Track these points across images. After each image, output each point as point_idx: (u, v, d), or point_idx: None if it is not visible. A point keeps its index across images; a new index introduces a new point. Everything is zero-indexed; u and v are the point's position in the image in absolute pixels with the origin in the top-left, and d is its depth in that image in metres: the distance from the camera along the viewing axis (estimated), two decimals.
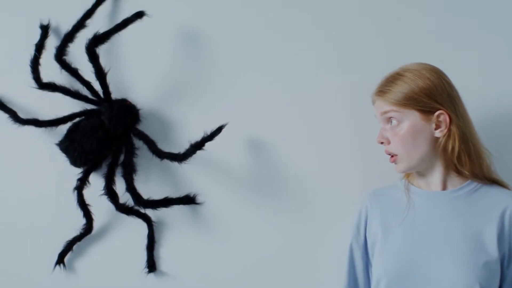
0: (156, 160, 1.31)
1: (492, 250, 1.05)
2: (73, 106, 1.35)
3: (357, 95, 1.29)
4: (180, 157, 1.27)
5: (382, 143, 1.14)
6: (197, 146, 1.26)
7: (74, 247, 1.36)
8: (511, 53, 1.31)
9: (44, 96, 1.33)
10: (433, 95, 1.07)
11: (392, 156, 1.13)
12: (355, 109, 1.33)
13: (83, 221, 1.34)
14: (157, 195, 1.33)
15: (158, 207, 1.32)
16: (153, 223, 1.36)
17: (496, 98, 1.31)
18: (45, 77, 1.31)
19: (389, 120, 1.12)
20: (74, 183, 1.33)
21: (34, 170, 1.39)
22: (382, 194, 1.20)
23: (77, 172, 1.33)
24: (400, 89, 1.09)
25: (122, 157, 1.33)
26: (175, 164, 1.31)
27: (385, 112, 1.11)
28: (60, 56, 1.31)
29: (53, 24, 1.36)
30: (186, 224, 1.37)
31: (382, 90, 1.12)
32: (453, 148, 1.07)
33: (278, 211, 1.36)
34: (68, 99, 1.33)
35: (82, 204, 1.33)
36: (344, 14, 1.35)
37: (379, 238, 1.14)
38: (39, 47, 1.33)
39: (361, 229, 1.20)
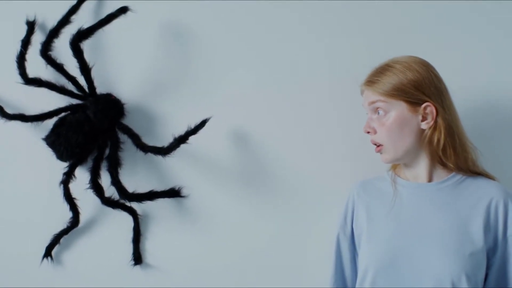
0: (141, 153, 1.28)
1: (478, 240, 1.03)
2: (59, 101, 1.32)
3: (344, 88, 1.29)
4: (164, 151, 1.24)
5: (368, 132, 1.12)
6: (181, 139, 1.23)
7: (61, 240, 1.34)
8: (499, 49, 1.30)
9: (30, 91, 1.30)
10: (421, 87, 1.06)
11: (378, 146, 1.11)
12: (342, 103, 1.31)
13: (69, 214, 1.31)
14: (142, 189, 1.31)
15: (143, 200, 1.29)
16: (139, 216, 1.33)
17: (484, 93, 1.29)
18: (31, 73, 1.28)
19: (376, 110, 1.10)
20: (60, 177, 1.30)
21: (20, 165, 1.36)
22: (369, 185, 1.18)
23: (63, 166, 1.30)
24: (389, 80, 1.07)
25: (107, 151, 1.31)
26: (160, 157, 1.28)
27: (373, 102, 1.09)
28: (45, 51, 1.28)
29: (39, 20, 1.32)
30: (171, 217, 1.34)
31: (371, 80, 1.10)
32: (438, 141, 1.06)
33: (265, 203, 1.33)
34: (53, 94, 1.30)
35: (69, 197, 1.30)
36: (332, 11, 1.33)
37: (366, 229, 1.12)
38: (25, 43, 1.29)
39: (348, 220, 1.18)
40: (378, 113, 1.10)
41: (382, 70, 1.10)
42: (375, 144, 1.12)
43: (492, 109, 1.30)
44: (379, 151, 1.12)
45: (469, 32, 1.31)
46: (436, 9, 1.31)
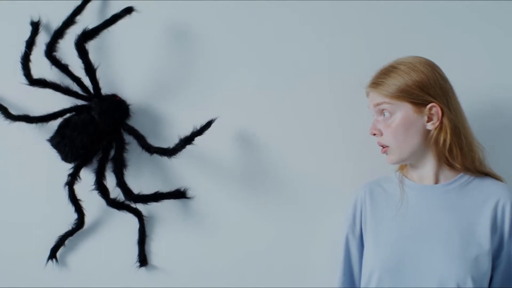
0: (146, 155, 1.28)
1: (485, 242, 1.03)
2: (64, 102, 1.31)
3: (347, 88, 1.28)
4: (170, 152, 1.24)
5: (374, 134, 1.12)
6: (187, 140, 1.23)
7: (66, 242, 1.33)
8: (501, 49, 1.30)
9: (35, 92, 1.29)
10: (426, 88, 1.05)
11: (383, 147, 1.10)
12: (345, 103, 1.31)
13: (74, 216, 1.31)
14: (148, 190, 1.30)
15: (149, 202, 1.29)
16: (144, 218, 1.32)
17: (486, 93, 1.29)
18: (36, 74, 1.28)
19: (382, 112, 1.09)
20: (65, 178, 1.30)
21: (25, 166, 1.35)
22: (376, 187, 1.17)
23: (68, 167, 1.30)
24: (394, 82, 1.06)
25: (112, 152, 1.30)
26: (165, 158, 1.28)
27: (378, 104, 1.09)
28: (50, 52, 1.27)
29: (43, 20, 1.32)
30: (177, 218, 1.34)
31: (376, 82, 1.10)
32: (444, 141, 1.05)
33: (269, 204, 1.33)
34: (58, 95, 1.29)
35: (74, 199, 1.30)
36: (333, 11, 1.32)
37: (373, 230, 1.12)
38: (30, 43, 1.29)
39: (357, 220, 1.17)
40: (384, 114, 1.09)
41: (386, 72, 1.09)
42: (381, 146, 1.11)
43: (494, 110, 1.29)
44: (385, 152, 1.11)
45: (470, 32, 1.31)
46: (436, 8, 1.31)
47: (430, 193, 1.09)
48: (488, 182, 1.09)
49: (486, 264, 1.02)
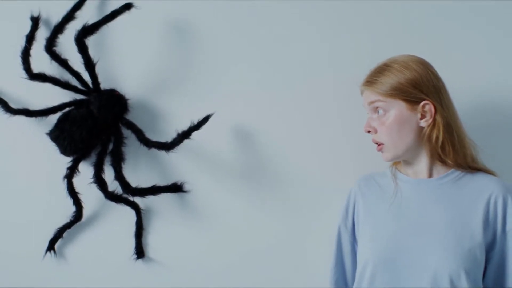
0: (144, 149, 1.29)
1: (478, 235, 1.03)
2: (63, 96, 1.32)
3: (346, 85, 1.29)
4: (168, 146, 1.25)
5: (369, 132, 1.13)
6: (184, 135, 1.24)
7: (65, 234, 1.34)
8: (499, 49, 1.31)
9: (35, 86, 1.30)
10: (419, 85, 1.06)
11: (379, 145, 1.12)
12: (343, 100, 1.31)
13: (73, 208, 1.32)
14: (145, 183, 1.32)
15: (146, 195, 1.30)
16: (141, 211, 1.34)
17: (490, 92, 1.30)
18: (36, 68, 1.29)
19: (376, 109, 1.11)
20: (64, 171, 1.31)
21: (24, 159, 1.36)
22: (371, 180, 1.19)
23: (67, 161, 1.31)
24: (387, 80, 1.08)
25: (110, 146, 1.31)
26: (163, 153, 1.29)
27: (372, 102, 1.11)
28: (50, 47, 1.28)
29: (43, 15, 1.33)
30: (173, 211, 1.35)
31: (370, 80, 1.11)
32: (437, 138, 1.06)
33: (265, 199, 1.34)
34: (58, 89, 1.31)
35: (72, 192, 1.31)
36: (334, 8, 1.33)
37: (367, 224, 1.13)
38: (30, 38, 1.30)
39: (349, 213, 1.19)
40: (378, 112, 1.11)
41: (380, 70, 1.11)
42: (376, 143, 1.13)
43: (492, 109, 1.31)
44: (380, 150, 1.13)
45: (470, 32, 1.32)
46: (436, 8, 1.32)
47: (423, 187, 1.11)
48: (480, 176, 1.10)
49: (478, 257, 1.03)
